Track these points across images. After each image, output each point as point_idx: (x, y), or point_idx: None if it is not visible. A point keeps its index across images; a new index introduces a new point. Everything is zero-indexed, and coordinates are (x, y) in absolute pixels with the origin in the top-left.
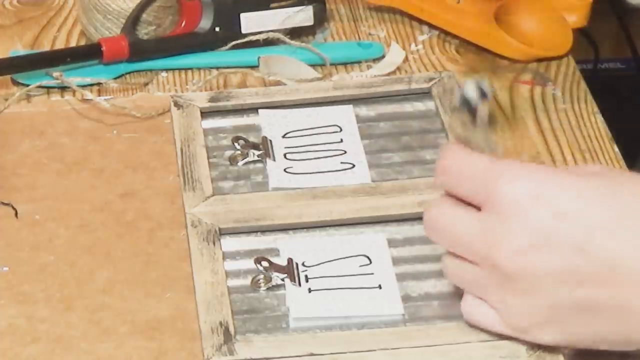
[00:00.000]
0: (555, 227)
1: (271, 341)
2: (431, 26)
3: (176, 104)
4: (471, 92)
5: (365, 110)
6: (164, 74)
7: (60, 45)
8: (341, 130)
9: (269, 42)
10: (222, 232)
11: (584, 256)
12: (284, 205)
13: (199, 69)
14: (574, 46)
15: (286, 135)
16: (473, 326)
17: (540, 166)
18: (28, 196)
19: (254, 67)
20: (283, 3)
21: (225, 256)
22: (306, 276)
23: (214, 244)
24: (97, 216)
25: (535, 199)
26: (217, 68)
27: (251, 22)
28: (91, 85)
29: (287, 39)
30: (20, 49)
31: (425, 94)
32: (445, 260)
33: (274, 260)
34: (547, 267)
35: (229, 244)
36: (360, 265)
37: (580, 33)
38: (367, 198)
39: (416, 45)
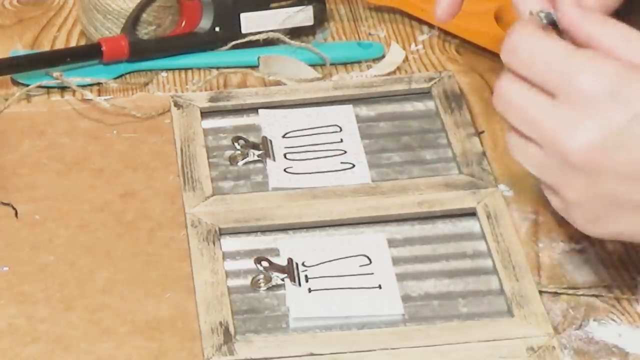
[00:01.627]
0: (631, 129)
1: (271, 341)
2: (431, 26)
3: (176, 104)
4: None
5: (365, 110)
6: (164, 74)
7: (60, 45)
8: (341, 130)
9: (269, 42)
10: (222, 232)
11: None
12: (284, 205)
13: (199, 69)
14: None
15: (286, 135)
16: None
17: (625, 61)
18: (28, 196)
19: (254, 67)
20: (283, 3)
21: (225, 256)
22: (306, 276)
23: (214, 244)
24: (97, 216)
25: (615, 98)
26: (217, 68)
27: (251, 22)
28: (91, 85)
29: (287, 39)
30: (20, 49)
31: (425, 94)
32: (510, 138)
33: (274, 260)
34: (615, 166)
35: (229, 244)
36: (360, 265)
37: None
38: (367, 198)
39: (416, 45)
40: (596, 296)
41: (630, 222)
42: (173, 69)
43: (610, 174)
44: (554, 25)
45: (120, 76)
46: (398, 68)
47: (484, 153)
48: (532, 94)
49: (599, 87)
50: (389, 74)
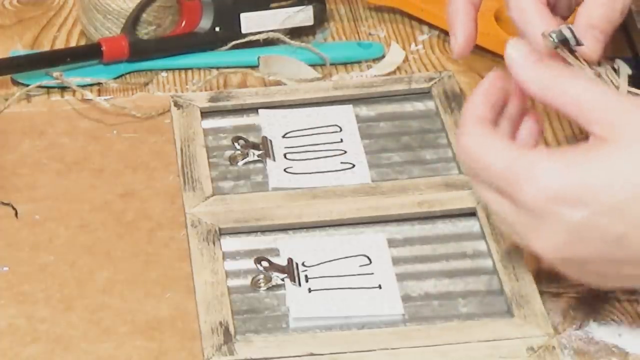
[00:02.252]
0: (589, 224)
1: (271, 341)
2: (431, 26)
3: (176, 104)
4: (568, 32)
5: (365, 110)
6: (164, 74)
7: (60, 45)
8: (341, 130)
9: (269, 42)
10: (222, 232)
11: (621, 247)
12: (284, 205)
13: (199, 69)
14: None
15: (286, 135)
16: None
17: (565, 160)
18: (28, 196)
19: (254, 67)
20: (283, 3)
21: (225, 256)
22: (306, 276)
23: (214, 244)
24: (97, 216)
25: (562, 202)
26: (217, 68)
27: (251, 22)
28: (91, 85)
29: (287, 39)
30: (20, 49)
31: (425, 94)
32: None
33: (274, 260)
34: (589, 254)
35: (229, 244)
36: (360, 265)
37: None
38: (367, 198)
39: (416, 45)
40: (596, 296)
41: (633, 281)
42: (173, 69)
43: (587, 262)
44: (564, 44)
45: (120, 76)
46: (398, 68)
47: None
48: (495, 195)
49: (542, 198)
50: (389, 74)
